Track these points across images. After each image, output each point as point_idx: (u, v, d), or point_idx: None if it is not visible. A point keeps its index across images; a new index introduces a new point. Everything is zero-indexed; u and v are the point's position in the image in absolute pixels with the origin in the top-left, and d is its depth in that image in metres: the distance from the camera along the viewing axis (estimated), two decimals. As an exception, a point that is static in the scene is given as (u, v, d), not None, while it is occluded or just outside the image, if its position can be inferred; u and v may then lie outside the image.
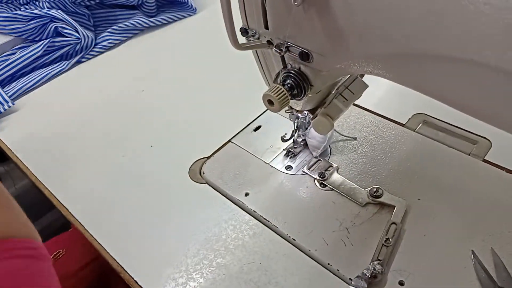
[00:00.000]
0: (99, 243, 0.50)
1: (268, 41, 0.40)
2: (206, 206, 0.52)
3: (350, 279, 0.42)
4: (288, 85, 0.40)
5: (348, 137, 0.58)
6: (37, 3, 0.89)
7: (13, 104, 0.72)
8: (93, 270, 0.67)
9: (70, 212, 0.54)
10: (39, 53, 0.79)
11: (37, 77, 0.78)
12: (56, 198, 0.56)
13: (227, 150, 0.59)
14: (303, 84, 0.40)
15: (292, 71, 0.40)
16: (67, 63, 0.81)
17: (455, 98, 0.33)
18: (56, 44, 0.81)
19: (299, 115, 0.51)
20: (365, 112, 0.62)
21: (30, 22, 0.81)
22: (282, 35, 0.38)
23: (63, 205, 0.55)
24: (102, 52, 0.85)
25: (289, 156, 0.57)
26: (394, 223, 0.46)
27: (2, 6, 0.90)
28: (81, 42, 0.82)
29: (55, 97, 0.75)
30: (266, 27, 0.39)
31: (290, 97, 0.40)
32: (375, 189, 0.50)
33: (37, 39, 0.83)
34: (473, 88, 0.30)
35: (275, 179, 0.54)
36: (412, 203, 0.49)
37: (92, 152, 0.63)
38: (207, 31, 0.88)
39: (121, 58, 0.84)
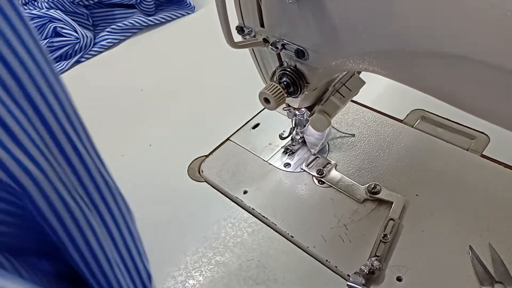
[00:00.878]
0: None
1: (264, 39, 0.40)
2: (205, 204, 0.53)
3: (348, 275, 0.43)
4: (285, 82, 0.40)
5: (346, 133, 0.58)
6: (35, 3, 0.89)
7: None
8: None
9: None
10: (38, 53, 0.79)
11: (36, 77, 0.78)
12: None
13: (225, 148, 0.59)
14: (299, 81, 0.40)
15: (288, 69, 0.40)
16: (66, 63, 0.81)
17: (449, 94, 0.33)
18: (55, 44, 0.81)
19: (297, 112, 0.51)
20: (364, 108, 0.62)
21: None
22: (277, 33, 0.38)
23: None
24: (101, 52, 0.85)
25: (288, 154, 0.57)
26: (392, 219, 0.46)
27: (1, 7, 0.90)
28: (80, 41, 0.82)
29: (55, 97, 0.75)
30: (262, 25, 0.39)
31: (286, 95, 0.40)
32: (373, 186, 0.50)
33: (36, 39, 0.83)
34: (466, 84, 0.30)
35: (273, 177, 0.54)
36: (410, 199, 0.49)
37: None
38: (206, 29, 0.87)
39: (120, 57, 0.84)
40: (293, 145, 0.57)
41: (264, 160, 0.56)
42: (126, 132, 0.66)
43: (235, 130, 0.61)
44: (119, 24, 0.88)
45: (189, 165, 0.58)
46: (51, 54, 0.81)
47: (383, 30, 0.30)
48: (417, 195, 0.49)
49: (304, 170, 0.54)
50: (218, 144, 0.60)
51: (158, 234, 0.50)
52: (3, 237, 0.23)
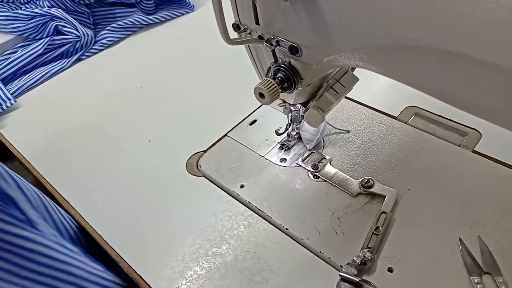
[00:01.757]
0: (99, 234, 0.51)
1: (259, 36, 0.41)
2: (203, 198, 0.54)
3: (341, 266, 0.44)
4: (279, 78, 0.41)
5: (341, 130, 0.59)
6: (37, 2, 0.91)
7: (15, 101, 0.74)
8: None
9: (71, 206, 0.56)
10: (40, 52, 0.80)
11: (38, 75, 0.79)
12: (58, 192, 0.58)
13: (223, 144, 0.60)
14: (293, 77, 0.41)
15: (283, 65, 0.41)
16: (67, 60, 0.83)
17: (440, 90, 0.34)
18: (57, 42, 0.82)
19: (292, 108, 0.52)
20: (358, 105, 0.63)
21: (31, 21, 0.83)
22: (272, 30, 0.39)
23: (64, 199, 0.57)
24: (101, 50, 0.86)
25: (284, 149, 0.58)
26: (384, 212, 0.48)
27: (3, 5, 0.92)
28: (81, 40, 0.83)
29: (56, 94, 0.77)
30: (257, 23, 0.40)
31: (280, 90, 0.41)
32: (366, 180, 0.51)
33: (37, 37, 0.84)
34: (457, 81, 0.31)
35: (269, 172, 0.55)
36: (403, 193, 0.50)
37: (92, 147, 0.64)
38: (205, 28, 0.89)
39: (120, 55, 0.85)
40: (289, 140, 0.58)
41: (261, 156, 0.58)
42: (126, 128, 0.67)
43: (232, 126, 0.63)
44: (119, 23, 0.89)
45: (188, 160, 0.59)
46: (52, 52, 0.82)
47: (372, 26, 0.31)
48: (409, 189, 0.51)
49: (300, 165, 0.55)
50: (216, 139, 0.61)
51: (157, 226, 0.52)
52: None
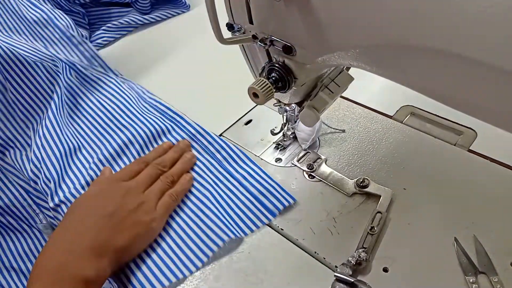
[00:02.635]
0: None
1: (253, 35, 0.41)
2: (198, 198, 0.54)
3: (336, 266, 0.44)
4: (273, 78, 0.41)
5: (336, 129, 0.59)
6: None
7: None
8: None
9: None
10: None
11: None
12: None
13: (218, 144, 0.60)
14: (287, 77, 0.41)
15: (277, 65, 0.41)
16: (62, 61, 0.82)
17: (434, 90, 0.34)
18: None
19: (288, 108, 0.52)
20: (354, 105, 0.63)
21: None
22: (266, 30, 0.39)
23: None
24: (97, 50, 0.86)
25: (279, 149, 0.58)
26: (379, 212, 0.47)
27: None
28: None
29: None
30: (251, 22, 0.40)
31: (274, 90, 0.41)
32: (361, 180, 0.51)
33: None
34: (450, 80, 0.31)
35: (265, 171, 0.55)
36: (398, 193, 0.50)
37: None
38: (200, 27, 0.88)
39: (116, 55, 0.85)
40: (285, 140, 0.58)
41: (256, 156, 0.57)
42: (121, 129, 0.66)
43: (228, 126, 0.62)
44: (114, 23, 0.89)
45: (183, 160, 0.59)
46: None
47: (365, 25, 0.31)
48: (404, 189, 0.50)
49: (295, 165, 0.55)
50: (211, 140, 0.61)
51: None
52: None
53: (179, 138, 0.59)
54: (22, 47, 0.68)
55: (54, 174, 0.54)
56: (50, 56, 0.68)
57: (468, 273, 0.42)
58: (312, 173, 0.53)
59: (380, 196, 0.49)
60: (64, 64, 0.67)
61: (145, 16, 0.91)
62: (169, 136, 0.60)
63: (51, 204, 0.52)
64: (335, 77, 0.46)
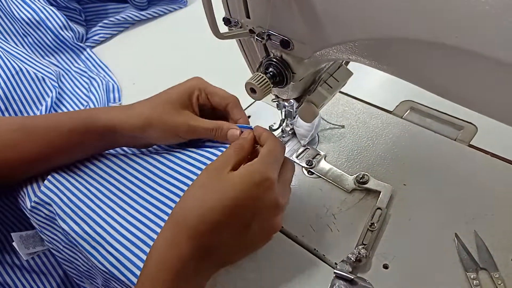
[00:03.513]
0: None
1: (250, 30, 0.40)
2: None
3: (336, 263, 0.43)
4: (271, 73, 0.41)
5: (335, 125, 0.58)
6: None
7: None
8: None
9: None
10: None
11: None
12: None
13: (216, 141, 0.60)
14: (285, 71, 0.40)
15: (274, 59, 0.40)
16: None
17: (434, 84, 0.33)
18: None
19: (286, 103, 0.52)
20: (353, 100, 0.62)
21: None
22: (263, 24, 0.39)
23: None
24: (93, 47, 0.85)
25: (278, 145, 0.57)
26: (379, 208, 0.47)
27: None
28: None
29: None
30: (248, 16, 0.39)
31: (272, 85, 0.41)
32: (361, 176, 0.50)
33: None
34: (451, 73, 0.30)
35: (263, 168, 0.55)
36: (398, 189, 0.49)
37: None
38: (198, 23, 0.87)
39: (113, 52, 0.84)
40: (283, 136, 0.57)
41: (255, 152, 0.57)
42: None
43: (226, 123, 0.62)
44: (111, 19, 0.88)
45: (180, 157, 0.58)
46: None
47: (363, 19, 0.30)
48: (404, 184, 0.50)
49: (294, 161, 0.54)
50: (209, 136, 0.60)
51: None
52: None
53: None
54: (16, 54, 0.68)
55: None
56: (45, 64, 0.68)
57: (469, 269, 0.42)
58: (311, 169, 0.53)
59: (380, 192, 0.49)
60: (57, 73, 0.67)
61: (142, 12, 0.90)
62: None
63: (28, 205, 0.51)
64: (333, 72, 0.45)
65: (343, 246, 0.45)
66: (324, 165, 0.53)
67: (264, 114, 0.62)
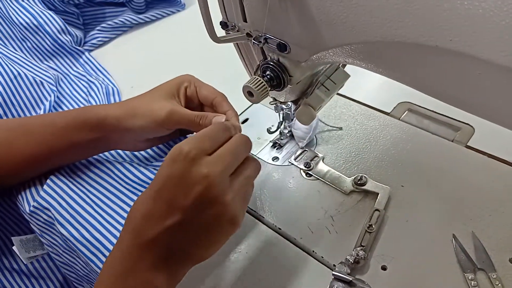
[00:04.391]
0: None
1: (247, 33, 0.40)
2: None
3: (334, 265, 0.43)
4: (268, 76, 0.41)
5: (333, 127, 0.59)
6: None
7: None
8: None
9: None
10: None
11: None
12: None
13: (215, 143, 0.60)
14: (282, 75, 0.41)
15: (271, 63, 0.41)
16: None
17: (429, 86, 0.34)
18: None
19: (284, 106, 0.52)
20: (351, 102, 0.62)
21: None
22: (260, 27, 0.39)
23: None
24: (91, 50, 0.85)
25: (276, 148, 0.57)
26: (377, 209, 0.47)
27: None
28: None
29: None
30: (245, 20, 0.40)
31: (269, 88, 0.41)
32: (359, 177, 0.50)
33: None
34: (445, 76, 0.31)
35: (262, 170, 0.54)
36: (396, 190, 0.50)
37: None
38: (196, 26, 0.87)
39: (110, 55, 0.84)
40: (281, 139, 0.58)
41: (253, 154, 0.57)
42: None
43: (224, 126, 0.62)
44: (109, 23, 0.88)
45: (179, 160, 0.59)
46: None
47: (359, 22, 0.31)
48: (402, 186, 0.50)
49: (292, 164, 0.55)
50: (208, 139, 0.60)
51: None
52: None
53: None
54: (15, 59, 0.68)
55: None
56: (44, 69, 0.68)
57: (467, 269, 0.42)
58: (309, 172, 0.53)
59: (378, 194, 0.49)
60: (56, 77, 0.67)
61: (140, 16, 0.91)
62: None
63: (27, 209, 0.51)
64: (331, 75, 0.45)
65: (341, 247, 0.45)
66: (322, 167, 0.53)
67: (262, 117, 0.62)
